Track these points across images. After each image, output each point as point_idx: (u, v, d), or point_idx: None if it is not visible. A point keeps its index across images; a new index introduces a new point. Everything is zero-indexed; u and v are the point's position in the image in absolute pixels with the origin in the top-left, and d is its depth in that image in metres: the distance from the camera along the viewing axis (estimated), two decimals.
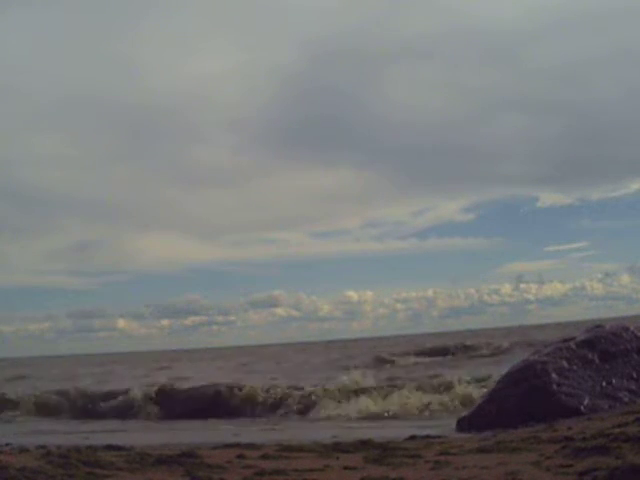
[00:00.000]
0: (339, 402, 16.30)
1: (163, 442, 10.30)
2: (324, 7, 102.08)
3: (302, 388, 18.55)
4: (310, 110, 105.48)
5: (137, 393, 19.59)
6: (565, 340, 11.62)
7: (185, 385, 21.60)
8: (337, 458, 7.11)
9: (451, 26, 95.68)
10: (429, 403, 15.13)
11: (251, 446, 8.30)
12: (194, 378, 25.76)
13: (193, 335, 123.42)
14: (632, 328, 11.46)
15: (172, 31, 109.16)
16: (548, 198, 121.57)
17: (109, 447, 8.13)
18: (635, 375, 10.55)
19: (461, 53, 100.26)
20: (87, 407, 19.53)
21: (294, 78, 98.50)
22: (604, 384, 10.36)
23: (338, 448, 7.93)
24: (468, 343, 36.70)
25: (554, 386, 10.27)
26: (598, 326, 12.06)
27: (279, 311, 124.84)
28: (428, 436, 9.14)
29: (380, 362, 31.23)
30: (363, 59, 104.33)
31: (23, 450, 8.26)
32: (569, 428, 7.95)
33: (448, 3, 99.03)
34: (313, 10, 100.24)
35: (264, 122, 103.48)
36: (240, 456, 7.17)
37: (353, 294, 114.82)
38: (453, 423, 11.41)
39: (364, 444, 8.17)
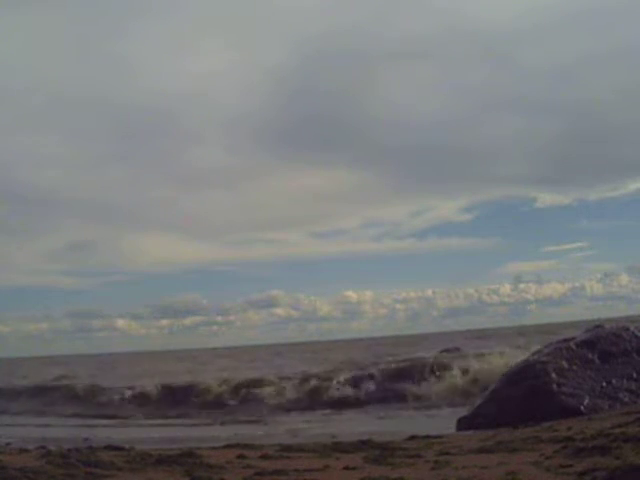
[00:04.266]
0: None
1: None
2: (319, 6, 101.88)
3: None
4: (306, 110, 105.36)
5: None
6: (565, 340, 11.62)
7: None
8: (337, 458, 7.10)
9: (448, 26, 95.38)
10: None
11: (251, 446, 8.30)
12: None
13: (192, 335, 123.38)
14: (632, 328, 11.46)
15: (167, 31, 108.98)
16: (546, 198, 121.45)
17: (109, 447, 8.12)
18: (635, 375, 10.55)
19: (458, 53, 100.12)
20: None
21: (290, 78, 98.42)
22: (604, 384, 10.36)
23: (338, 448, 7.93)
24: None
25: (554, 386, 10.27)
26: (598, 326, 12.07)
27: (278, 311, 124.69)
28: (428, 436, 9.12)
29: None
30: (359, 59, 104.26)
31: (23, 450, 8.27)
32: (569, 428, 7.94)
33: (445, 2, 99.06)
34: (308, 9, 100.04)
35: (260, 122, 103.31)
36: (240, 456, 7.17)
37: (352, 294, 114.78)
38: (453, 423, 11.41)
39: (364, 444, 8.16)
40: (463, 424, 10.96)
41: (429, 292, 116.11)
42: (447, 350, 36.19)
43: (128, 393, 22.24)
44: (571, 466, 5.37)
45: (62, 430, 15.60)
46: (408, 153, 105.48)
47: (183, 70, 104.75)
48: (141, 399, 21.70)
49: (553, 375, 10.41)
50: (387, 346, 51.71)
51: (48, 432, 14.89)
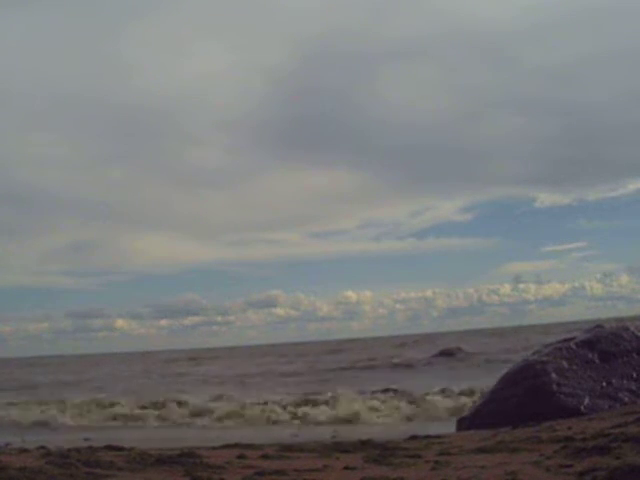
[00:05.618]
0: None
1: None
2: (317, 7, 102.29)
3: None
4: (304, 110, 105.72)
5: None
6: (565, 340, 11.62)
7: None
8: (337, 458, 7.10)
9: (447, 26, 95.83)
10: None
11: (251, 446, 8.29)
12: None
13: (192, 335, 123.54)
14: (632, 328, 11.45)
15: (165, 33, 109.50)
16: (546, 198, 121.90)
17: (109, 447, 8.11)
18: (635, 375, 10.54)
19: (457, 53, 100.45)
20: None
21: (289, 78, 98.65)
22: (604, 384, 10.36)
23: (338, 448, 7.92)
24: None
25: (554, 386, 10.27)
26: (598, 326, 12.05)
27: (278, 311, 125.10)
28: (428, 436, 9.13)
29: None
30: (356, 59, 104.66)
31: (23, 450, 8.26)
32: (569, 428, 7.94)
33: (443, 3, 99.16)
34: (305, 10, 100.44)
35: (258, 122, 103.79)
36: (240, 456, 7.16)
37: (352, 294, 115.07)
38: (453, 423, 11.42)
39: (364, 444, 8.16)
40: (463, 424, 10.97)
41: (429, 292, 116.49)
42: (447, 350, 36.23)
43: None
44: (571, 466, 5.37)
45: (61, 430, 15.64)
46: (408, 153, 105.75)
47: (182, 71, 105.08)
48: None
49: (553, 375, 10.41)
50: (387, 346, 51.78)
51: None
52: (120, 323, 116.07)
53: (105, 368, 47.08)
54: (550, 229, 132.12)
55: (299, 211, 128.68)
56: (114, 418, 17.60)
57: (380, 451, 7.43)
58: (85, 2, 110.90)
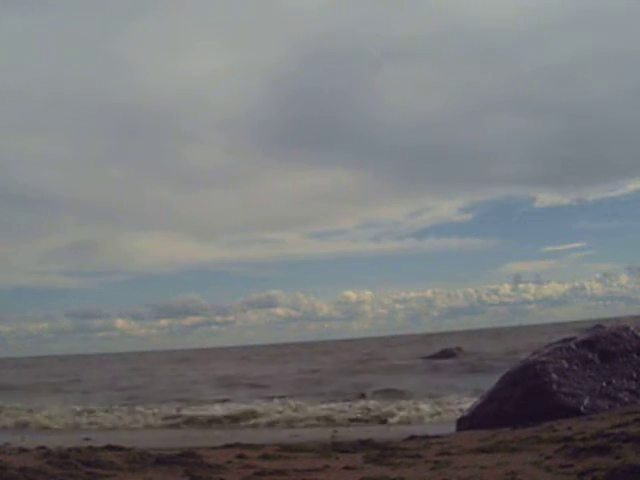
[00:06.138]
0: None
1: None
2: (316, 7, 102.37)
3: None
4: (303, 110, 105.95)
5: None
6: (565, 340, 11.62)
7: None
8: (337, 458, 7.11)
9: (446, 26, 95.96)
10: None
11: (251, 446, 8.30)
12: None
13: (192, 335, 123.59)
14: (632, 328, 11.44)
15: (165, 33, 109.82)
16: (546, 198, 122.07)
17: (109, 447, 8.12)
18: (635, 375, 10.54)
19: (456, 54, 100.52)
20: None
21: (288, 78, 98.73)
22: (604, 384, 10.35)
23: (338, 448, 7.93)
24: None
25: (554, 386, 10.26)
26: (598, 326, 12.06)
27: (278, 311, 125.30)
28: (428, 436, 9.13)
29: None
30: (356, 59, 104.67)
31: (23, 450, 8.27)
32: (569, 428, 7.94)
33: (443, 3, 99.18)
34: (305, 10, 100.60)
35: (258, 122, 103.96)
36: (240, 456, 7.17)
37: (352, 294, 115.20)
38: (453, 423, 11.42)
39: (364, 444, 8.17)
40: (463, 424, 10.96)
41: (429, 292, 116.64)
42: (447, 350, 36.26)
43: None
44: (571, 466, 5.37)
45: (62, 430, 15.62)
46: (407, 153, 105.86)
47: (182, 71, 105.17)
48: None
49: (553, 375, 10.41)
50: (386, 346, 51.80)
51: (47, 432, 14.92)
52: (120, 323, 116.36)
53: (92, 370, 46.64)
54: (550, 229, 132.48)
55: (299, 211, 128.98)
56: None
57: (380, 451, 7.43)
58: (85, 2, 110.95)
